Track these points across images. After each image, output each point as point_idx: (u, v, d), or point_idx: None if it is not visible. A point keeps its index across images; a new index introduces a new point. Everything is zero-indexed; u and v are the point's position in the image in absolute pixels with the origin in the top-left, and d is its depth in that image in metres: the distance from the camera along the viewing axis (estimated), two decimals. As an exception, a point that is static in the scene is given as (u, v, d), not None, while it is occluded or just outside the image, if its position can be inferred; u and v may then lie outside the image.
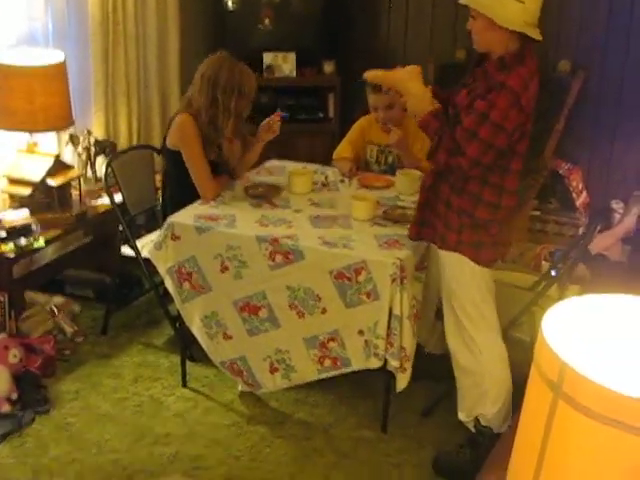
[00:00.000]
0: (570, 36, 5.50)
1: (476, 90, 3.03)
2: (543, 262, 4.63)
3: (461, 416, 3.44)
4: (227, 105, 3.87)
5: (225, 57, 3.97)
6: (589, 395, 1.26)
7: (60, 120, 4.20)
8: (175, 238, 3.56)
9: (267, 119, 4.17)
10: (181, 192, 3.94)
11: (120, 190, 4.23)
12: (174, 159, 3.96)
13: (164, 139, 4.06)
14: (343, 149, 4.45)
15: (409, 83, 3.16)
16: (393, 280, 3.21)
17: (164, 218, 3.78)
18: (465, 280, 3.23)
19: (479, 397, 3.33)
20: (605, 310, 1.51)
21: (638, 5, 5.26)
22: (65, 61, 4.19)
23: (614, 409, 1.24)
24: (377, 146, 4.41)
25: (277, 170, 4.29)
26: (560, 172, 5.42)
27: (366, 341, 3.34)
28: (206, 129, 3.89)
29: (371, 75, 3.33)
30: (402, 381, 3.36)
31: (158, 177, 4.45)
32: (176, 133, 3.92)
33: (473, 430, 3.38)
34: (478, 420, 3.35)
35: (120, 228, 4.21)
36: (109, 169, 4.18)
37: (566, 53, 5.49)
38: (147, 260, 3.88)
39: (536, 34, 2.99)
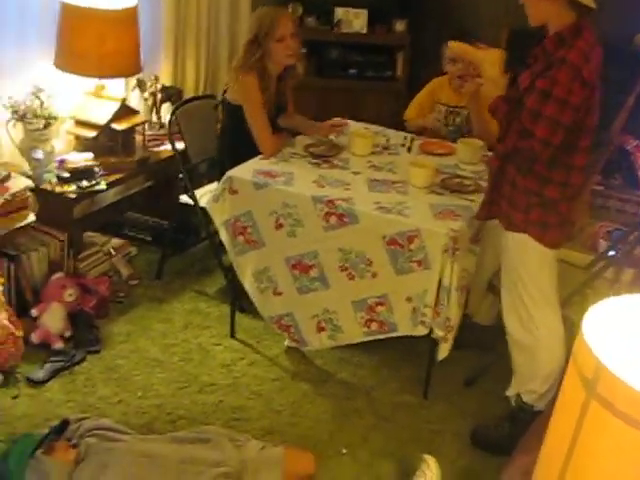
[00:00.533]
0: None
1: (537, 69, 2.97)
2: (601, 241, 4.57)
3: (509, 392, 3.43)
4: (256, 43, 3.92)
5: (262, 8, 4.04)
6: (622, 398, 1.26)
7: (128, 67, 4.24)
8: (233, 192, 3.59)
9: (336, 122, 4.21)
10: (239, 146, 3.96)
11: (183, 138, 4.27)
12: (234, 113, 3.98)
13: (224, 91, 4.08)
14: (413, 110, 4.51)
15: (488, 66, 3.11)
16: (445, 251, 3.21)
17: (221, 170, 3.81)
18: (531, 262, 3.17)
19: (531, 374, 3.30)
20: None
21: None
22: (137, 6, 4.21)
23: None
24: (446, 106, 4.42)
25: (340, 129, 4.27)
26: (628, 148, 5.30)
27: (414, 308, 3.36)
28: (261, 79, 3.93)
29: (455, 46, 3.29)
30: (443, 350, 3.37)
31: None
32: (240, 92, 3.94)
33: (514, 405, 3.39)
34: (520, 396, 3.35)
35: (180, 176, 4.25)
36: (173, 117, 4.22)
37: (644, 26, 5.35)
38: (204, 209, 3.93)
39: (589, 1, 2.90)
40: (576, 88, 2.85)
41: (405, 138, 4.18)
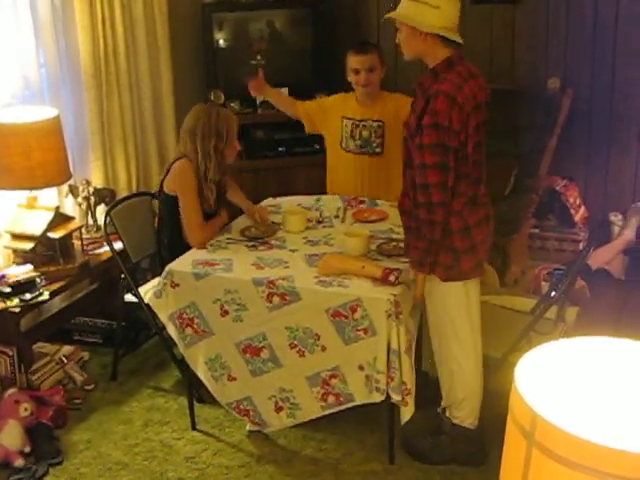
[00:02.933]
0: (558, 53, 5.55)
1: (417, 107, 3.23)
2: (543, 283, 4.66)
3: (439, 408, 3.68)
4: (207, 150, 3.97)
5: (201, 107, 4.11)
6: (561, 443, 1.30)
7: (58, 175, 4.28)
8: (174, 285, 3.63)
9: (259, 211, 4.24)
10: (178, 237, 4.02)
11: (120, 238, 4.30)
12: (171, 204, 4.04)
13: (161, 183, 4.14)
14: (309, 103, 4.70)
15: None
16: (389, 316, 3.27)
17: (162, 265, 3.85)
18: (438, 295, 3.40)
19: (450, 397, 3.58)
20: (582, 353, 1.55)
21: (622, 19, 5.31)
22: (59, 116, 4.28)
23: (585, 456, 1.28)
24: (352, 120, 4.52)
25: (272, 209, 4.33)
26: (557, 188, 5.46)
27: (367, 376, 3.40)
28: (198, 176, 3.99)
29: None
30: (406, 414, 3.41)
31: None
32: (175, 179, 4.01)
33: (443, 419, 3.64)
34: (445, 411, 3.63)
35: (122, 276, 4.27)
36: (108, 218, 4.26)
37: (555, 70, 5.54)
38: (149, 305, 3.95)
39: (456, 37, 3.24)
40: (455, 114, 3.12)
41: (338, 209, 4.26)
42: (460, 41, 3.25)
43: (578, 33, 5.48)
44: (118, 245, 4.31)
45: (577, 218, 5.43)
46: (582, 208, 5.52)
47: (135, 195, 4.70)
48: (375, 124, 4.44)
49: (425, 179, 3.16)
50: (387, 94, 4.53)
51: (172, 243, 4.06)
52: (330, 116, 4.59)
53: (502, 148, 4.94)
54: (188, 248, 3.89)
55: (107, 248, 4.39)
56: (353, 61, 4.42)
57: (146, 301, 4.08)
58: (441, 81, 3.18)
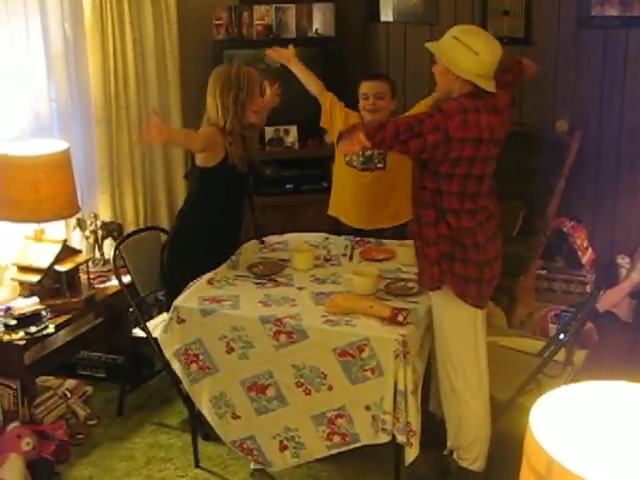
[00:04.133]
0: (566, 96, 5.58)
1: None
2: (550, 325, 4.64)
3: (446, 450, 3.65)
4: (226, 104, 3.95)
5: (223, 66, 4.17)
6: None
7: (66, 209, 4.30)
8: (181, 321, 3.61)
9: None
10: (207, 218, 4.06)
11: (129, 272, 4.30)
12: (203, 177, 4.04)
13: (192, 160, 4.12)
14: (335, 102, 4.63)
15: None
16: (396, 356, 3.24)
17: (182, 247, 4.01)
18: (452, 318, 3.38)
19: (457, 440, 3.54)
20: (595, 397, 1.53)
21: (630, 63, 5.34)
22: (69, 149, 4.29)
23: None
24: None
25: (280, 246, 4.33)
26: (564, 230, 5.45)
27: (373, 416, 3.36)
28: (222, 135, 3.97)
29: None
30: (410, 455, 3.36)
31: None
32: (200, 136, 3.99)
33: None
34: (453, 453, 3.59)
35: (131, 309, 4.26)
36: (117, 252, 4.25)
37: (563, 113, 5.57)
38: (157, 340, 3.93)
39: (487, 85, 3.20)
40: (460, 119, 3.11)
41: (346, 247, 4.25)
42: (493, 90, 3.21)
43: (586, 76, 5.51)
44: (126, 279, 4.30)
45: (584, 260, 5.42)
46: (589, 250, 5.50)
47: (144, 229, 4.70)
48: None
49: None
50: None
51: (198, 225, 4.05)
52: (342, 120, 4.56)
53: (510, 190, 4.94)
54: (214, 232, 4.00)
55: (113, 282, 4.41)
56: (363, 87, 4.45)
57: (155, 335, 4.06)
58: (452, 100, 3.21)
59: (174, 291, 3.79)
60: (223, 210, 4.08)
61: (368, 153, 4.46)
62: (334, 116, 4.60)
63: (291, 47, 4.57)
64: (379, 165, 4.48)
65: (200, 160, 4.01)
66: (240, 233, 4.24)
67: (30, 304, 4.08)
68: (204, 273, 3.85)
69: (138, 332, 4.28)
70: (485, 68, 3.18)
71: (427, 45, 3.28)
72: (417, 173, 3.34)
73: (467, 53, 3.15)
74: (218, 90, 3.96)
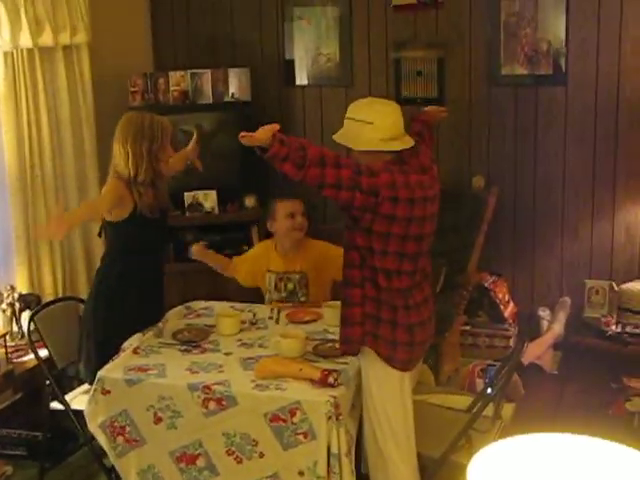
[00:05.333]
0: (481, 152, 5.71)
1: None
2: (477, 380, 4.66)
3: None
4: (138, 152, 3.87)
5: (133, 113, 4.07)
6: None
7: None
8: (105, 392, 3.50)
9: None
10: (129, 268, 3.98)
11: (45, 344, 4.17)
12: (114, 229, 3.98)
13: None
14: (243, 275, 4.57)
15: None
16: (329, 418, 3.20)
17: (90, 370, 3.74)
18: (379, 380, 3.31)
19: None
20: (527, 451, 1.53)
21: (540, 118, 5.50)
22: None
23: None
24: (275, 273, 4.47)
25: (204, 311, 4.27)
26: (486, 285, 5.52)
27: (307, 482, 3.30)
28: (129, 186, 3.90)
29: None
30: (347, 519, 3.31)
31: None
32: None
33: None
34: None
35: (47, 383, 4.12)
36: (32, 324, 4.13)
37: (479, 169, 5.68)
38: (78, 412, 3.80)
39: (400, 144, 3.23)
40: (386, 176, 3.10)
41: (272, 310, 4.21)
42: (408, 145, 3.24)
43: (500, 132, 5.65)
44: (43, 352, 4.16)
45: (507, 314, 5.49)
46: (511, 304, 5.58)
47: (60, 300, 4.58)
48: (298, 276, 4.43)
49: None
50: (310, 242, 4.49)
51: (119, 277, 3.98)
52: (255, 268, 4.55)
53: (431, 247, 4.99)
54: (135, 281, 3.95)
55: (32, 356, 4.26)
56: (287, 206, 4.39)
57: (75, 407, 3.93)
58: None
59: (100, 340, 3.82)
60: (142, 257, 4.01)
61: (290, 287, 4.45)
62: (252, 269, 4.57)
63: (201, 244, 4.62)
64: (302, 299, 4.43)
65: (109, 217, 3.95)
66: (162, 277, 4.19)
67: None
68: (129, 321, 3.84)
69: (57, 405, 4.14)
70: (385, 131, 3.20)
71: (334, 137, 3.30)
72: (347, 233, 3.31)
73: (363, 127, 3.20)
74: (130, 138, 3.87)
